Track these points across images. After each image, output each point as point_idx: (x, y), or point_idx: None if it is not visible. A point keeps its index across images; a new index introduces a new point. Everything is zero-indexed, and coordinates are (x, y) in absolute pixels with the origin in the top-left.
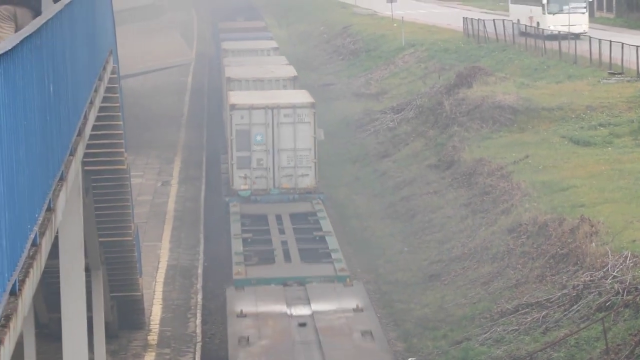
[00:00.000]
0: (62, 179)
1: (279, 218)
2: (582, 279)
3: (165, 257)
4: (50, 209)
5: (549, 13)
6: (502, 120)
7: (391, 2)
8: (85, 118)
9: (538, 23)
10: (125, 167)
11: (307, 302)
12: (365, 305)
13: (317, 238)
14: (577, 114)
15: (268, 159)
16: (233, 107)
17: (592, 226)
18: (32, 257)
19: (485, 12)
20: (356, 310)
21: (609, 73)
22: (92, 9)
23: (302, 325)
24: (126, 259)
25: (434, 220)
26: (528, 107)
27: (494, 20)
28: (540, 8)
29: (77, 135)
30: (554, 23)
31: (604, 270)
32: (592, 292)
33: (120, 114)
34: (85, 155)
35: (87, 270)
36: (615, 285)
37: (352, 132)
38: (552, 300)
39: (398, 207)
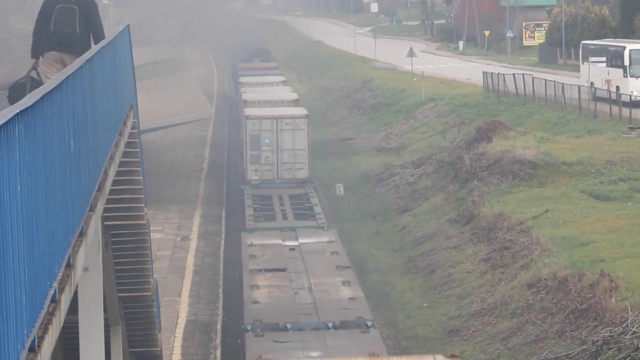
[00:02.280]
0: (81, 234)
1: (280, 197)
2: (601, 335)
3: (184, 312)
4: (69, 265)
5: (632, 76)
6: (521, 174)
7: (411, 56)
8: (106, 173)
9: (618, 87)
10: (145, 222)
11: (296, 238)
12: (335, 239)
13: (307, 207)
14: (597, 169)
15: (273, 157)
16: (247, 117)
17: (611, 281)
18: (51, 314)
19: (505, 67)
20: (329, 241)
21: (629, 127)
22: (113, 63)
23: (292, 249)
24: (145, 315)
25: (454, 275)
26: (548, 162)
27: (513, 74)
28: (622, 70)
29: (97, 191)
30: (638, 88)
31: (624, 325)
32: (612, 348)
33: (140, 168)
34: (105, 210)
35: (106, 325)
36: (635, 340)
37: (372, 186)
38: (571, 356)
39: (418, 262)
